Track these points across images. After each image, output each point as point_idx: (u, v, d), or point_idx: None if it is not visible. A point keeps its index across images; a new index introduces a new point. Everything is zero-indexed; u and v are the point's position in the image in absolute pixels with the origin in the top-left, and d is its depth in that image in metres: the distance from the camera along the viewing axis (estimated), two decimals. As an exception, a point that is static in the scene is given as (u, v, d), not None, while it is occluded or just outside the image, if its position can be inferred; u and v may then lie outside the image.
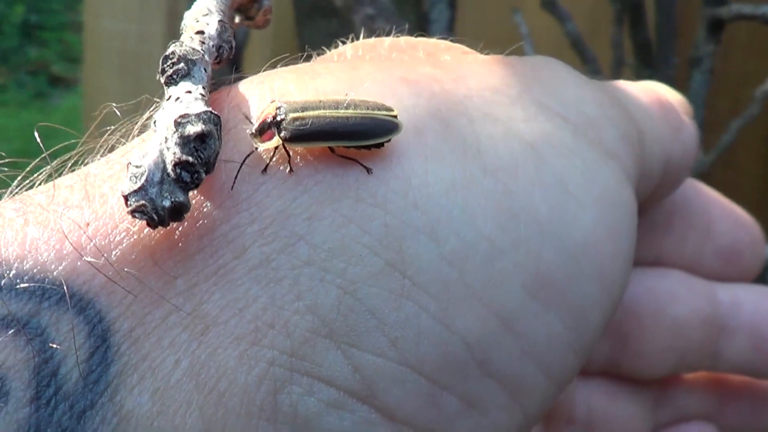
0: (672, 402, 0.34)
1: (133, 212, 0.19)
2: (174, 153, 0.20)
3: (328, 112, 0.23)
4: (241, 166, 0.21)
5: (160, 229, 0.20)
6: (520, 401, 0.22)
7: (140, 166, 0.20)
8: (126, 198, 0.20)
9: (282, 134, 0.22)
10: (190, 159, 0.20)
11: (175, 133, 0.20)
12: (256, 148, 0.22)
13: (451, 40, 0.29)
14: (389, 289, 0.21)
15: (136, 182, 0.19)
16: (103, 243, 0.20)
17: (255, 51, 0.98)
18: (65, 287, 0.19)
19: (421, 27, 0.79)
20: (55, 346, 0.19)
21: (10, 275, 0.19)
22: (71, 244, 0.20)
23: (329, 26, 0.85)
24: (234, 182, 0.21)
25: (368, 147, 0.22)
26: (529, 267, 0.22)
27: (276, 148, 0.22)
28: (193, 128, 0.20)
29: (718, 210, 0.33)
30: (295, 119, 0.22)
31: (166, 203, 0.19)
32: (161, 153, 0.20)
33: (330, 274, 0.20)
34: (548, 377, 0.23)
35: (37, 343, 0.19)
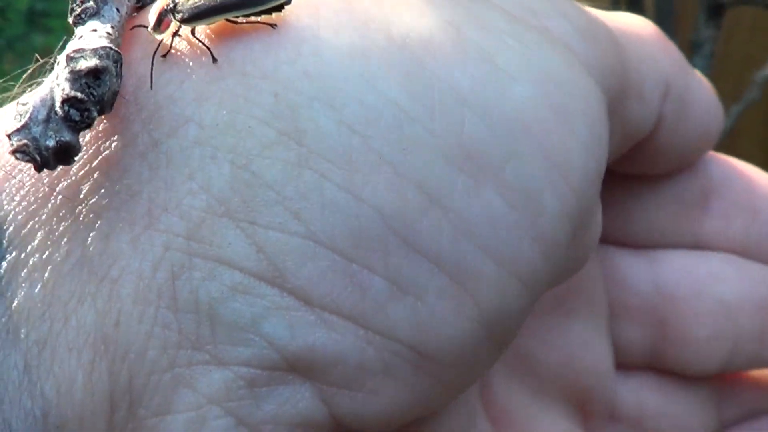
0: (739, 398, 0.31)
1: (14, 152, 0.18)
2: (63, 89, 0.18)
3: None
4: (153, 61, 0.20)
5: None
6: (466, 287, 0.20)
7: (26, 104, 0.18)
8: (9, 137, 0.18)
9: (177, 17, 0.22)
10: (79, 95, 0.18)
11: (66, 68, 0.18)
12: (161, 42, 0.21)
13: None
14: (285, 159, 0.19)
15: (19, 119, 0.18)
16: None
17: None
18: None
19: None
20: None
21: None
22: None
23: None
24: (151, 80, 0.20)
25: (268, 12, 0.22)
26: (450, 136, 0.20)
27: (175, 35, 0.22)
28: (86, 63, 0.18)
29: (764, 190, 0.31)
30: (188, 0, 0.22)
31: (50, 143, 0.18)
32: (51, 90, 0.18)
33: (221, 151, 0.19)
34: (499, 264, 0.21)
35: None
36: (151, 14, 0.22)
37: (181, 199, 0.19)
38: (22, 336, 0.18)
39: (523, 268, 0.21)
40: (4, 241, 0.19)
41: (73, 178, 0.19)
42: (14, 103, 0.19)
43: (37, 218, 0.19)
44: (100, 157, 0.19)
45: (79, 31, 0.21)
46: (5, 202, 0.19)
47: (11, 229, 0.19)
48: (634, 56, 0.26)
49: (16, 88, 0.23)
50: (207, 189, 0.19)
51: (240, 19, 0.22)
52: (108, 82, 0.18)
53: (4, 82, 0.23)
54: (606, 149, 0.23)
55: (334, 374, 0.19)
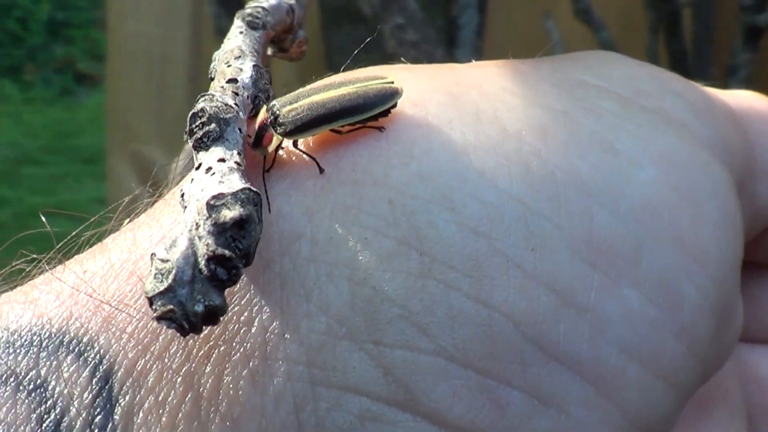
0: None
1: (159, 318, 0.16)
2: (207, 245, 0.17)
3: (320, 95, 0.21)
4: (264, 181, 0.20)
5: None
6: (611, 395, 0.19)
7: (167, 261, 0.17)
8: (150, 301, 0.17)
9: (279, 130, 0.20)
10: (227, 253, 0.16)
11: (208, 219, 0.17)
12: (265, 157, 0.20)
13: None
14: (407, 270, 0.18)
15: (162, 281, 0.16)
16: (99, 284, 0.19)
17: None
18: (62, 331, 0.18)
19: (449, 32, 0.76)
20: (55, 394, 0.18)
21: (10, 331, 0.19)
22: (68, 287, 0.19)
23: (356, 32, 0.82)
24: (268, 202, 0.19)
25: (374, 118, 0.20)
26: (578, 231, 0.19)
27: (278, 148, 0.21)
28: (230, 213, 0.17)
29: None
30: (289, 111, 0.21)
31: (199, 308, 0.16)
32: (191, 243, 0.17)
33: (337, 267, 0.18)
34: (642, 365, 0.19)
35: (37, 395, 0.18)
36: (251, 130, 0.21)
37: (298, 323, 0.18)
38: None
39: (668, 368, 0.20)
40: (116, 384, 0.18)
41: None
42: (150, 256, 0.18)
43: (147, 357, 0.18)
44: None
45: (202, 158, 0.20)
46: (114, 343, 0.18)
47: (122, 371, 0.18)
48: (757, 133, 0.25)
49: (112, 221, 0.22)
50: (325, 310, 0.18)
51: (345, 128, 0.21)
52: (253, 232, 0.17)
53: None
54: (741, 232, 0.22)
55: None
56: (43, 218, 0.23)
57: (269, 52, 0.29)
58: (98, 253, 0.20)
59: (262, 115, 0.21)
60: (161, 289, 0.16)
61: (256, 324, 0.18)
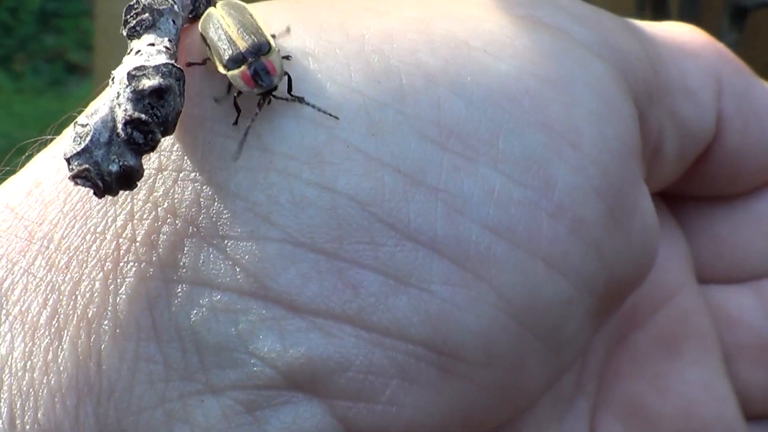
0: None
1: (75, 177, 0.17)
2: (125, 110, 0.17)
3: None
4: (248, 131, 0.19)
5: None
6: (479, 273, 0.19)
7: (86, 125, 0.17)
8: (68, 161, 0.17)
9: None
10: (143, 117, 0.17)
11: (128, 87, 0.17)
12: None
13: None
14: (248, 166, 0.19)
15: (79, 142, 0.17)
16: None
17: None
18: None
19: None
20: None
21: None
22: None
23: None
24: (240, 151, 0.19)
25: None
26: (424, 116, 0.19)
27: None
28: (149, 82, 0.17)
29: None
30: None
31: (114, 167, 0.17)
32: (111, 110, 0.17)
33: (183, 172, 0.19)
34: (514, 244, 0.19)
35: None
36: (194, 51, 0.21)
37: (150, 227, 0.18)
38: (5, 389, 0.18)
39: (548, 249, 0.19)
40: None
41: (46, 228, 0.19)
42: (72, 124, 0.18)
43: (16, 270, 0.19)
44: (66, 206, 0.19)
45: (134, 45, 0.20)
46: None
47: None
48: (670, 51, 0.25)
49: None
50: (174, 212, 0.18)
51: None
52: (172, 102, 0.17)
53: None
54: (632, 121, 0.22)
55: (341, 384, 0.18)
56: None
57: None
58: None
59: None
60: (78, 149, 0.17)
61: (110, 231, 0.18)
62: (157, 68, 0.18)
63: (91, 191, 0.17)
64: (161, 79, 0.17)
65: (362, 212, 0.18)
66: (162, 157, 0.19)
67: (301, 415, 0.18)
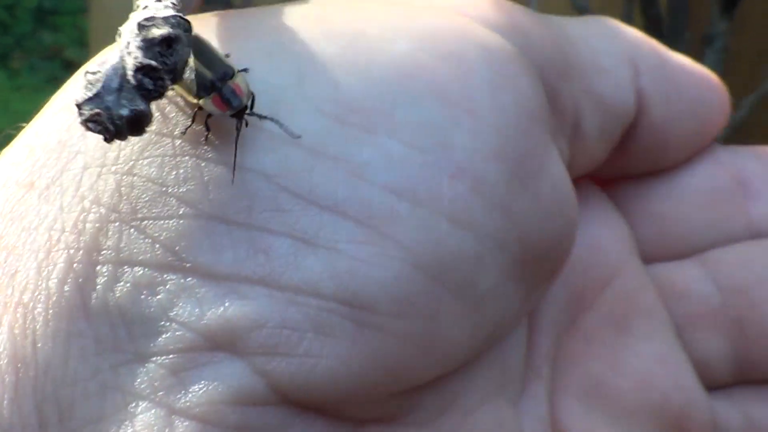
0: None
1: (86, 122, 0.17)
2: (135, 57, 0.17)
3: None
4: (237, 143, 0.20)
5: None
6: (383, 230, 0.20)
7: (97, 72, 0.17)
8: (79, 107, 0.17)
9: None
10: (154, 63, 0.17)
11: (137, 36, 0.18)
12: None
13: None
14: (161, 154, 0.20)
15: (90, 89, 0.17)
16: None
17: None
18: None
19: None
20: None
21: None
22: None
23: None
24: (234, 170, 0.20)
25: None
26: (322, 95, 0.21)
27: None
28: (159, 31, 0.18)
29: None
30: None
31: (125, 112, 0.17)
32: (122, 59, 0.18)
33: (105, 166, 0.20)
34: (417, 203, 0.20)
35: None
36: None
37: (77, 218, 0.20)
38: None
39: (450, 207, 0.20)
40: None
41: None
42: (82, 73, 0.18)
43: None
44: (6, 207, 0.20)
45: (142, 1, 0.21)
46: None
47: None
48: (580, 34, 0.26)
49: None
50: (98, 202, 0.20)
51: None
52: (181, 51, 0.18)
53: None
54: (531, 91, 0.23)
55: (258, 341, 0.19)
56: None
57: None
58: None
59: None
60: (89, 95, 0.17)
61: (42, 226, 0.20)
62: (165, 19, 0.18)
63: (101, 136, 0.17)
64: (170, 29, 0.18)
65: (269, 184, 0.20)
66: (87, 157, 0.20)
67: (222, 372, 0.19)
